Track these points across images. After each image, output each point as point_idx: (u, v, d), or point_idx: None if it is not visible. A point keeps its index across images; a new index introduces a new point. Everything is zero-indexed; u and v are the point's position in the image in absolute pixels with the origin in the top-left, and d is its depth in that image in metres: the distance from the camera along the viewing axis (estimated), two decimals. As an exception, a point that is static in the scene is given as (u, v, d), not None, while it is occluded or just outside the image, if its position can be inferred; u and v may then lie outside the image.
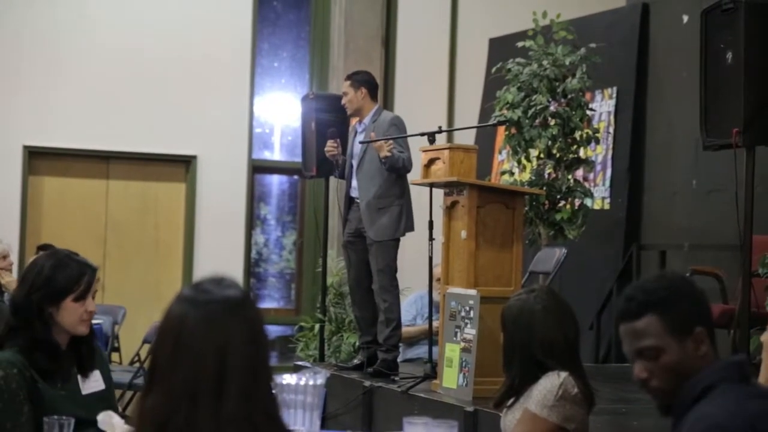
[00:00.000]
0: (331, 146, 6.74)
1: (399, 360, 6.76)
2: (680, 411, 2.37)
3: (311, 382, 2.85)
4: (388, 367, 6.43)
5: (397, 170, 6.42)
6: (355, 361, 6.79)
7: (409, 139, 6.52)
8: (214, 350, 1.92)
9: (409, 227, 6.54)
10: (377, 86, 6.83)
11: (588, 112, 8.10)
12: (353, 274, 6.69)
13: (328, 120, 7.26)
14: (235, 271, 10.49)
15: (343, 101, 6.71)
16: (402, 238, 6.56)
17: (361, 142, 6.56)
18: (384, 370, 6.39)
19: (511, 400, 3.58)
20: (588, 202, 8.12)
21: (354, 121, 6.79)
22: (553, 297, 3.62)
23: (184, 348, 1.93)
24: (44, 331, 3.33)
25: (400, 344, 6.82)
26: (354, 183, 6.63)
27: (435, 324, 6.33)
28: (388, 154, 6.31)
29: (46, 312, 3.33)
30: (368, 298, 6.62)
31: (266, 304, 11.67)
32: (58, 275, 3.35)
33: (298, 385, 2.92)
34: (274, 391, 2.00)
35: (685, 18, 9.01)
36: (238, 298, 1.98)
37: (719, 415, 2.27)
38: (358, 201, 6.59)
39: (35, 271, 3.37)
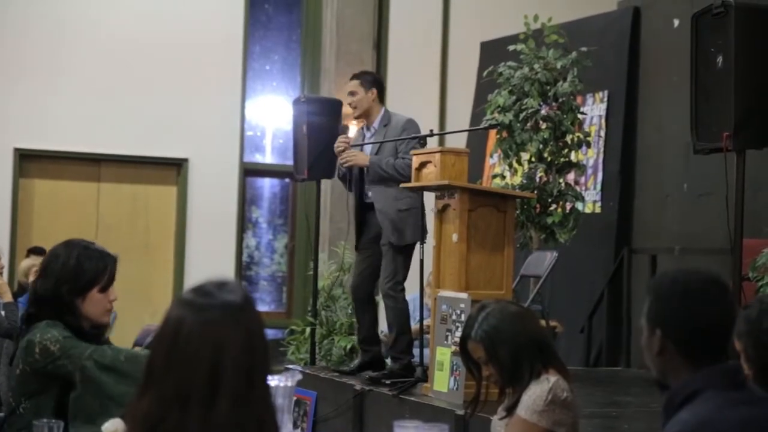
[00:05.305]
0: (342, 141, 6.41)
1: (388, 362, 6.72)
2: (669, 413, 2.37)
3: (282, 384, 2.82)
4: (396, 375, 6.24)
5: (387, 179, 6.31)
6: (351, 365, 6.73)
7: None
8: (209, 356, 1.90)
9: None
10: (385, 88, 6.58)
11: (579, 116, 8.10)
12: (357, 279, 6.62)
13: (319, 123, 7.23)
14: (227, 275, 10.46)
15: (351, 101, 6.41)
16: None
17: (356, 146, 6.41)
18: (396, 380, 6.17)
19: (502, 406, 3.58)
20: (579, 205, 8.13)
21: (360, 123, 6.61)
22: (503, 309, 3.57)
23: (178, 352, 1.91)
24: (76, 321, 3.36)
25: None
26: (367, 188, 6.44)
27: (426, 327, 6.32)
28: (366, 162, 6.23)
29: (73, 303, 3.35)
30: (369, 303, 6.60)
31: (257, 308, 11.65)
32: (85, 267, 3.37)
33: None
34: (270, 399, 1.97)
35: (676, 22, 9.02)
36: (237, 304, 1.96)
37: (690, 423, 2.26)
38: (373, 204, 6.39)
39: (60, 263, 3.37)
